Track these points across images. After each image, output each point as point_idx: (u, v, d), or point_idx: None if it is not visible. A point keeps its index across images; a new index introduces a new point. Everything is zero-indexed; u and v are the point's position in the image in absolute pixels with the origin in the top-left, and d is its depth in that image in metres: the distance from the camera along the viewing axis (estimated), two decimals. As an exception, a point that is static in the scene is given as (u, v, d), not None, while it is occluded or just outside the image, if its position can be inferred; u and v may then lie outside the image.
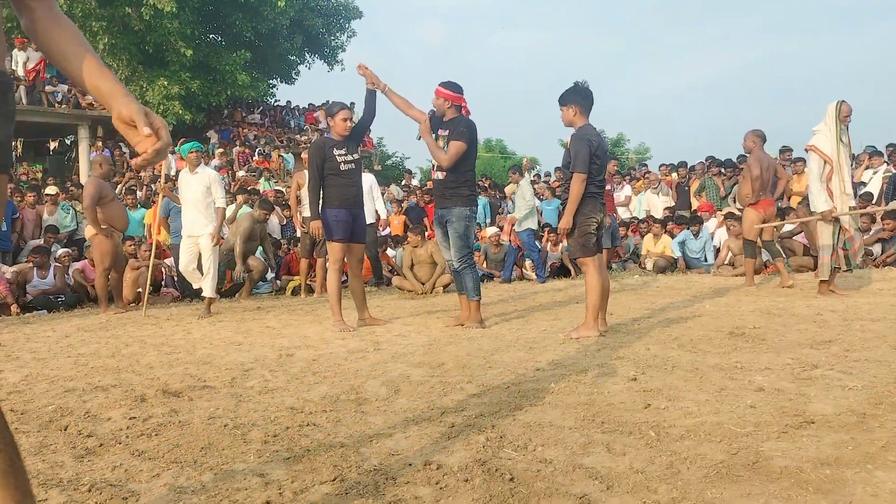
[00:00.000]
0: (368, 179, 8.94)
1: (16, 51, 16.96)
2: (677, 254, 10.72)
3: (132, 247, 9.67)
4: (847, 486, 2.11)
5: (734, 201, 12.12)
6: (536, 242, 10.38)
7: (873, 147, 12.15)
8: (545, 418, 2.94)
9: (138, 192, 12.87)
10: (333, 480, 2.32)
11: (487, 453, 2.52)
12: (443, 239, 5.76)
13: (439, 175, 5.62)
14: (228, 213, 11.70)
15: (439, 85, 5.64)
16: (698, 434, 2.63)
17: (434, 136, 5.61)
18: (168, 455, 2.67)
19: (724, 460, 2.35)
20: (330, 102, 6.05)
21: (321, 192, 5.88)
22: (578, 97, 5.01)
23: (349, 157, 5.88)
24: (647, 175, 14.09)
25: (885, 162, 11.52)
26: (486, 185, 15.84)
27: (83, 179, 15.80)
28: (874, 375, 3.39)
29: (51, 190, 11.69)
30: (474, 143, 5.57)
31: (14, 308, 8.27)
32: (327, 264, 6.52)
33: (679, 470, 2.29)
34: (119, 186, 13.52)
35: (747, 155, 7.76)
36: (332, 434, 2.86)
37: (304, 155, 10.21)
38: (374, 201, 9.33)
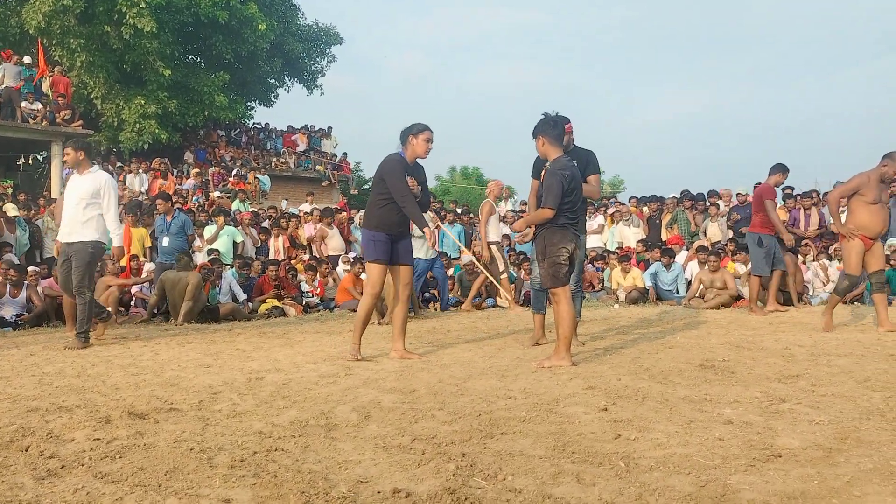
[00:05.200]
0: None
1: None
2: (648, 284, 10.82)
3: (99, 264, 9.50)
4: (813, 519, 2.13)
5: (704, 234, 12.30)
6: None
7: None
8: (516, 447, 2.93)
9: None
10: (301, 507, 2.29)
11: (457, 482, 2.51)
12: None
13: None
14: (208, 234, 11.67)
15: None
16: (667, 466, 2.65)
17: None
18: (132, 478, 2.62)
19: (692, 493, 2.36)
20: (412, 124, 5.45)
21: (370, 211, 5.51)
22: (547, 128, 5.09)
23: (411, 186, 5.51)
24: (618, 208, 14.24)
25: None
26: (460, 211, 15.90)
27: (55, 195, 15.61)
28: (840, 410, 3.43)
29: (11, 211, 11.32)
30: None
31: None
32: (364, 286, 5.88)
33: (648, 501, 2.30)
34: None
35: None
36: (301, 460, 2.83)
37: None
38: None
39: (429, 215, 10.21)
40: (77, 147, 6.71)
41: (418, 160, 5.55)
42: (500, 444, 2.99)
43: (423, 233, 5.49)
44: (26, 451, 3.01)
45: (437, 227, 10.28)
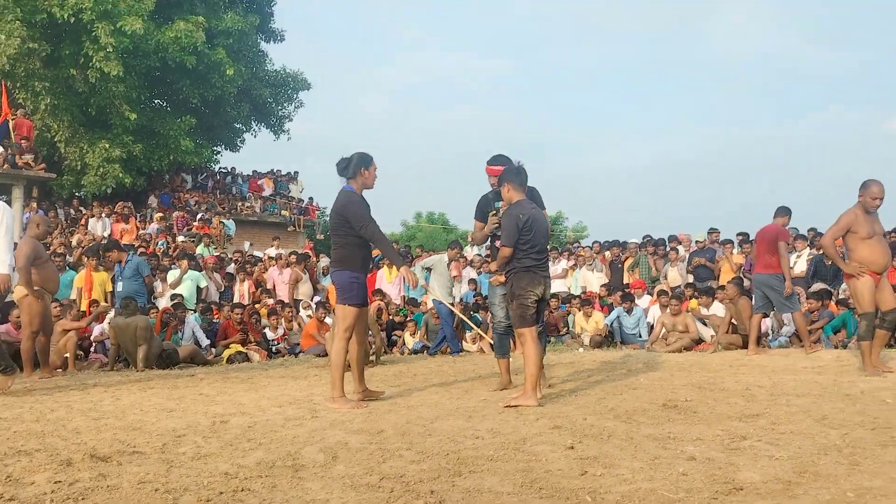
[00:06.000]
0: None
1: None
2: (607, 326, 10.93)
3: (58, 309, 9.34)
4: (773, 548, 2.19)
5: (665, 278, 12.52)
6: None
7: (795, 230, 12.77)
8: (484, 484, 2.96)
9: (67, 255, 12.54)
10: (269, 544, 2.28)
11: (426, 518, 2.52)
12: (501, 300, 5.75)
13: (498, 243, 5.62)
14: (171, 278, 11.56)
15: (488, 163, 5.79)
16: (633, 499, 2.69)
17: (495, 209, 5.76)
18: (96, 519, 2.58)
19: (657, 525, 2.41)
20: (357, 155, 5.34)
21: (348, 252, 5.32)
22: (511, 175, 5.34)
23: None
24: (580, 253, 14.44)
25: (808, 245, 12.11)
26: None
27: (15, 238, 15.33)
28: (799, 446, 3.52)
29: None
30: None
31: None
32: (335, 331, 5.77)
33: (614, 534, 2.34)
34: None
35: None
36: (268, 499, 2.82)
37: None
38: None
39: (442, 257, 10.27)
40: None
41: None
42: (469, 481, 3.01)
43: (402, 272, 5.50)
44: (-16, 494, 2.95)
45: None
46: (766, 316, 9.11)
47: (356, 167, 5.33)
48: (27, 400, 5.78)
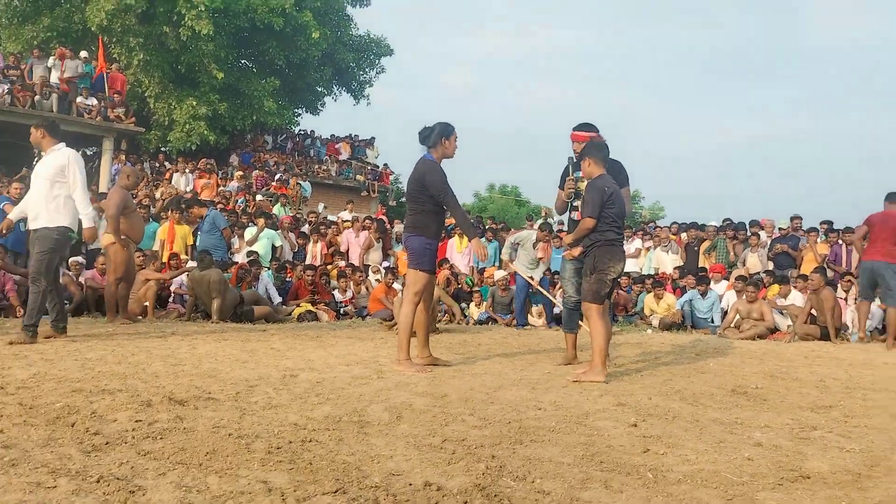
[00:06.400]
0: None
1: (52, 58, 17.37)
2: (678, 309, 10.72)
3: (141, 259, 9.72)
4: (839, 540, 2.14)
5: (743, 264, 12.18)
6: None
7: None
8: (545, 454, 2.98)
9: (151, 207, 13.02)
10: (335, 492, 2.37)
11: (487, 480, 2.56)
12: (572, 275, 5.70)
13: (575, 216, 5.63)
14: (248, 235, 11.91)
15: (574, 129, 5.75)
16: (695, 480, 2.67)
17: (574, 177, 5.71)
18: (173, 457, 2.72)
19: (719, 506, 2.39)
20: (440, 125, 5.36)
21: (424, 218, 5.35)
22: (593, 150, 5.33)
23: None
24: (656, 233, 14.17)
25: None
26: (498, 228, 15.96)
27: (102, 188, 16.02)
28: (872, 441, 3.41)
29: None
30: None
31: (20, 311, 8.32)
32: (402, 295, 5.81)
33: (674, 511, 2.33)
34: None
35: None
36: (335, 451, 2.91)
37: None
38: None
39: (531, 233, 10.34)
40: (38, 125, 6.28)
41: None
42: (529, 450, 3.04)
43: (472, 244, 5.53)
44: (72, 426, 3.14)
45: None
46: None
47: (437, 137, 5.37)
48: (110, 343, 6.07)
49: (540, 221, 14.90)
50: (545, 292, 9.43)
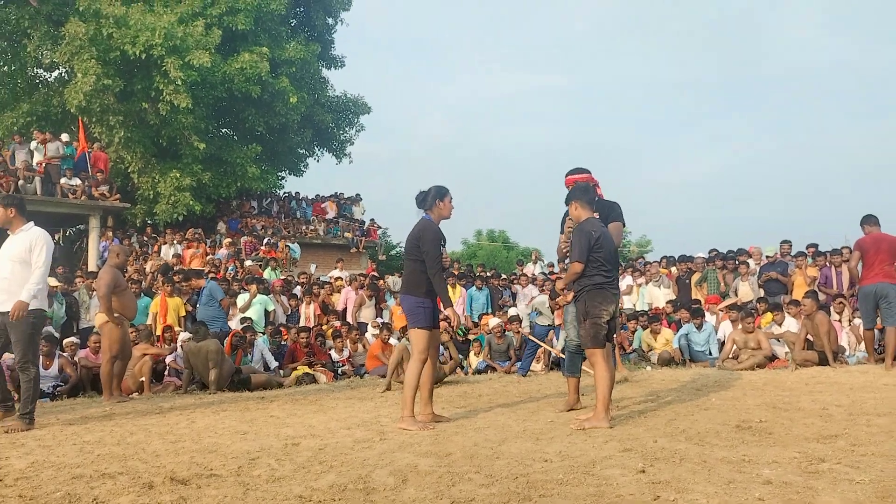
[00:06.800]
0: None
1: (34, 142, 17.51)
2: (675, 346, 10.72)
3: (134, 334, 9.66)
4: (858, 578, 2.12)
5: (735, 294, 12.22)
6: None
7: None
8: (554, 509, 2.95)
9: (142, 282, 13.00)
10: (345, 568, 2.33)
11: (498, 543, 2.53)
12: (573, 318, 5.67)
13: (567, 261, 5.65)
14: (241, 302, 11.87)
15: (567, 174, 5.85)
16: (708, 525, 2.65)
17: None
18: (179, 542, 2.68)
19: (734, 552, 2.36)
20: (434, 188, 5.53)
21: (416, 277, 5.43)
22: (579, 193, 5.40)
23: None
24: (647, 268, 14.24)
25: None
26: (489, 275, 16.00)
27: (91, 267, 15.98)
28: (882, 470, 3.40)
29: (49, 283, 11.60)
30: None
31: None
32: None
33: (690, 561, 2.30)
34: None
35: None
36: (342, 523, 2.87)
37: None
38: None
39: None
40: (6, 204, 5.95)
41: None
42: (539, 506, 3.01)
43: (447, 313, 5.58)
44: (74, 516, 3.09)
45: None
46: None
47: (433, 199, 5.52)
48: (108, 424, 6.00)
49: (536, 266, 15.02)
50: (556, 352, 9.68)
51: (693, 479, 3.34)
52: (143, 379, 9.26)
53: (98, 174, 18.32)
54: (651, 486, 3.25)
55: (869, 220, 8.57)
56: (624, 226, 5.95)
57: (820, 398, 5.97)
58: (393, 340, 10.96)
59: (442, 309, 5.67)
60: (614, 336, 5.79)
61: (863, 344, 9.65)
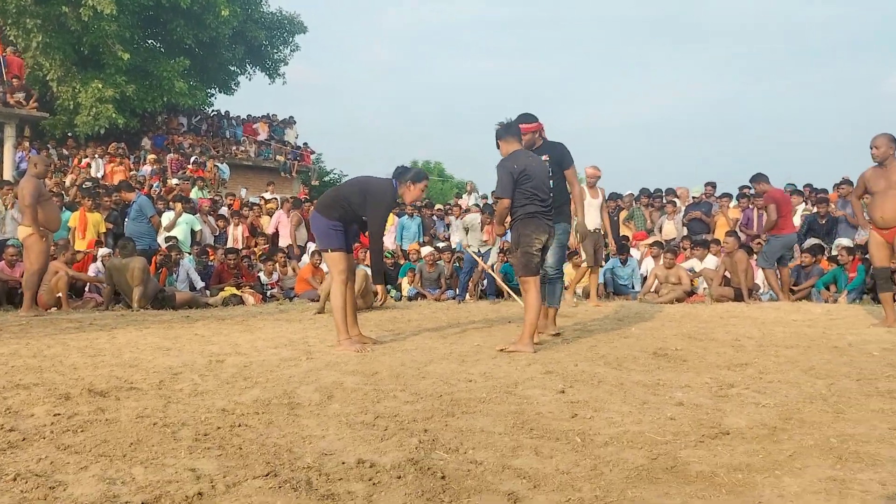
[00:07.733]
0: None
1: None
2: (601, 280, 10.98)
3: (53, 249, 9.30)
4: (757, 488, 2.26)
5: (660, 231, 12.55)
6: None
7: (793, 185, 12.76)
8: (476, 424, 3.02)
9: (64, 195, 12.48)
10: (266, 475, 2.34)
11: (420, 454, 2.58)
12: (556, 249, 5.77)
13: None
14: (166, 221, 11.51)
15: (520, 123, 5.69)
16: (621, 441, 2.76)
17: None
18: (95, 449, 2.64)
19: (644, 464, 2.47)
20: (412, 169, 5.51)
21: (336, 207, 5.40)
22: (501, 132, 5.40)
23: None
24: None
25: (803, 201, 12.14)
26: (421, 205, 15.95)
27: (6, 177, 15.24)
28: (786, 395, 3.59)
29: None
30: None
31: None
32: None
33: (602, 472, 2.40)
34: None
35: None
36: (265, 434, 2.87)
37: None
38: None
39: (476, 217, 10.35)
40: None
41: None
42: (461, 421, 3.07)
43: (377, 290, 5.72)
44: (-15, 425, 2.99)
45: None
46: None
47: (408, 178, 5.43)
48: (23, 337, 5.81)
49: (471, 197, 15.02)
50: (492, 272, 9.72)
51: (610, 400, 3.46)
52: (60, 294, 8.98)
53: (13, 80, 17.28)
54: (570, 405, 3.36)
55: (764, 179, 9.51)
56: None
57: (733, 330, 6.23)
58: (324, 266, 10.90)
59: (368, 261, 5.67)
60: (563, 261, 6.00)
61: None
